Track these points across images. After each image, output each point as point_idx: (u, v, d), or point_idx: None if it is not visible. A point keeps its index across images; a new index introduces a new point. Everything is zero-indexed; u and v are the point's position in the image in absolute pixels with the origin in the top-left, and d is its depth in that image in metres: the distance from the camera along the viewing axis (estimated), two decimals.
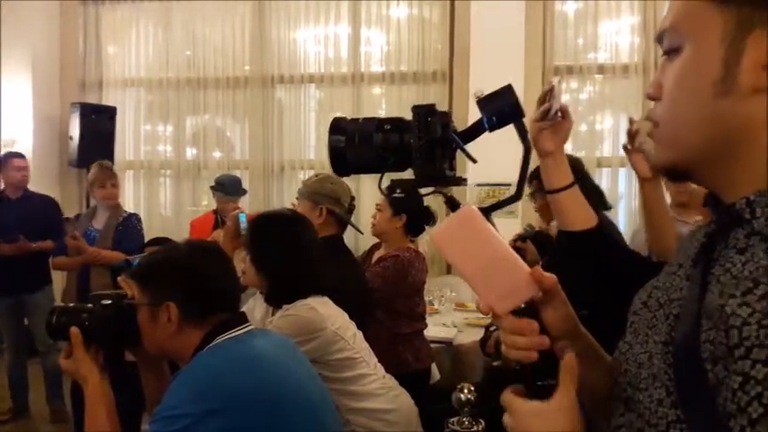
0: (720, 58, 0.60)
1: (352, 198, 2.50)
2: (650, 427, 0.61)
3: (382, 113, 5.38)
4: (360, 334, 1.96)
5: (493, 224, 0.75)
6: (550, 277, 0.72)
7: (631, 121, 1.68)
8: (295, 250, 1.87)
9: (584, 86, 5.11)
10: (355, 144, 0.90)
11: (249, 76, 5.39)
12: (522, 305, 0.72)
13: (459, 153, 0.96)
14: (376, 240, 2.95)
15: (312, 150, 5.41)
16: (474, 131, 0.92)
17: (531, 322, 0.71)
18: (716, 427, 0.54)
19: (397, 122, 0.90)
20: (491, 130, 0.92)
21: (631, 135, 1.66)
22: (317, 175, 2.56)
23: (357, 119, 0.92)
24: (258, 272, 1.88)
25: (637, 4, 4.89)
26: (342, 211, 2.43)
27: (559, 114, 1.31)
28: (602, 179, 5.05)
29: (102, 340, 1.42)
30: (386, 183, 0.95)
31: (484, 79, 4.56)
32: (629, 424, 0.66)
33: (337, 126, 0.91)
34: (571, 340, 0.76)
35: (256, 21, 5.33)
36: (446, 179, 0.88)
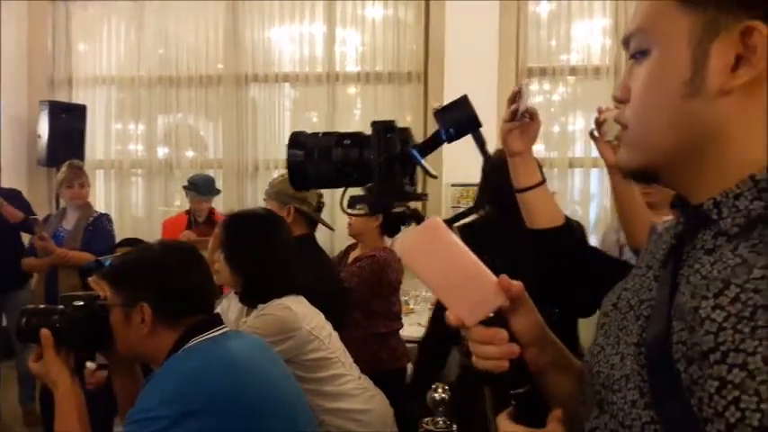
0: (688, 61, 0.60)
1: (320, 196, 2.49)
2: (624, 429, 0.61)
3: (357, 113, 5.39)
4: (335, 334, 1.96)
5: (457, 234, 0.75)
6: (517, 285, 0.72)
7: (600, 111, 1.72)
8: (270, 249, 1.87)
9: (556, 88, 5.18)
10: (314, 159, 0.90)
11: (223, 75, 5.34)
12: (491, 315, 0.71)
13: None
14: (352, 241, 2.95)
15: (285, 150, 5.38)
16: (432, 144, 0.93)
17: (499, 331, 0.71)
18: (690, 426, 0.54)
19: (356, 138, 0.90)
20: (449, 141, 0.93)
21: (598, 123, 1.69)
22: (282, 175, 2.54)
23: (317, 133, 0.92)
24: (233, 271, 1.87)
25: (609, 6, 4.96)
26: (310, 210, 2.43)
27: (527, 116, 1.33)
28: (575, 179, 5.13)
29: (73, 342, 1.40)
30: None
31: (459, 80, 4.64)
32: (604, 426, 0.66)
33: (296, 140, 0.92)
34: (540, 347, 0.77)
35: (230, 19, 5.29)
36: (406, 195, 0.88)
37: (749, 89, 0.59)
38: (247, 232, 1.91)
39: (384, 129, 0.88)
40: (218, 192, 4.61)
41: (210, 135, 5.58)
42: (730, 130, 0.60)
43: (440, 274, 0.71)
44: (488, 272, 0.72)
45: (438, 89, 4.83)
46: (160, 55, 5.40)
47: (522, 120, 1.34)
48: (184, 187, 4.43)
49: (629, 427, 0.61)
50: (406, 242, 0.73)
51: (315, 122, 5.34)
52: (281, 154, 5.36)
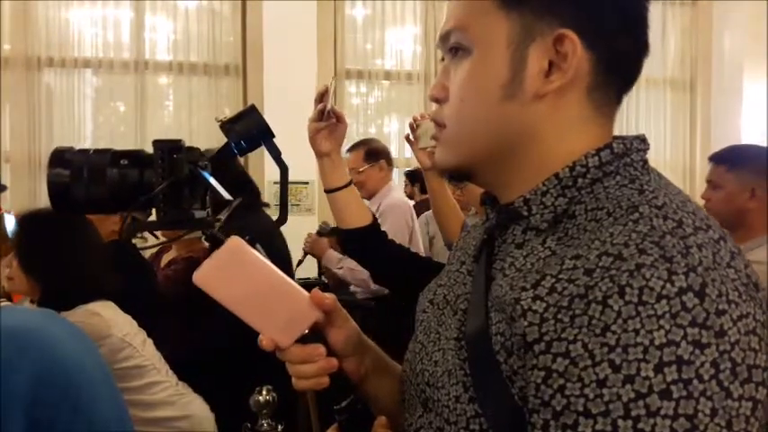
0: (507, 64, 0.61)
1: None
2: (450, 425, 0.61)
3: (170, 105, 5.11)
4: (150, 341, 1.86)
5: (261, 252, 0.71)
6: (330, 297, 0.70)
7: (415, 119, 1.82)
8: (71, 250, 1.72)
9: (372, 91, 5.36)
10: (83, 179, 0.79)
11: (9, 57, 4.74)
12: (305, 332, 0.68)
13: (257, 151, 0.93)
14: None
15: (89, 141, 4.94)
16: (224, 158, 0.89)
17: (316, 347, 0.68)
18: (513, 417, 0.55)
19: (135, 156, 0.81)
20: (241, 154, 0.90)
21: (412, 128, 1.80)
22: None
23: (87, 150, 0.82)
24: (29, 277, 1.69)
25: (419, 13, 5.24)
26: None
27: (333, 116, 1.36)
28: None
29: None
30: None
31: (277, 76, 4.60)
32: (429, 424, 0.65)
33: (60, 158, 0.80)
34: (359, 356, 0.76)
35: None
36: (195, 222, 0.81)
37: (560, 93, 0.61)
38: (45, 233, 1.73)
39: (170, 149, 0.80)
40: (3, 188, 4.09)
41: None
42: (542, 133, 0.63)
43: (246, 297, 0.66)
44: (299, 288, 0.69)
45: (257, 84, 4.75)
46: None
47: (329, 120, 1.35)
48: None
49: (455, 423, 0.60)
50: (204, 270, 0.67)
51: (122, 112, 4.97)
52: (82, 145, 4.90)
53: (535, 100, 0.62)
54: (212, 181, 0.82)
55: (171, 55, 4.96)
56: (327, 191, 1.45)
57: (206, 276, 0.67)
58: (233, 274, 0.67)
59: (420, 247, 3.08)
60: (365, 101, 5.36)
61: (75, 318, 1.65)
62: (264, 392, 1.36)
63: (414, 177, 5.13)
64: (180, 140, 0.81)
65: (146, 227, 0.80)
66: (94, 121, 4.99)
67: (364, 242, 1.49)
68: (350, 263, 2.77)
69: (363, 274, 2.47)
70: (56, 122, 4.86)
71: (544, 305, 0.53)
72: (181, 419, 1.84)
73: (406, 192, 5.04)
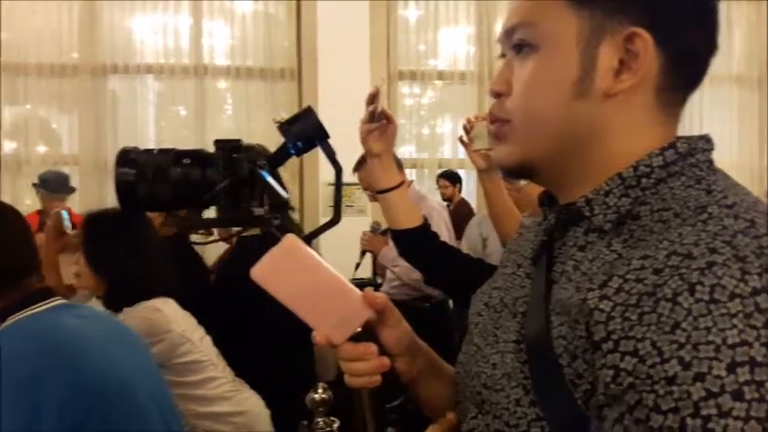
0: (577, 62, 0.61)
1: None
2: (510, 428, 0.60)
3: (228, 108, 5.24)
4: (208, 337, 1.91)
5: (316, 251, 0.72)
6: (381, 296, 0.70)
7: (469, 121, 1.81)
8: (135, 248, 1.78)
9: (425, 91, 5.36)
10: (148, 179, 0.82)
11: (78, 64, 4.96)
12: (359, 330, 0.69)
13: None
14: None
15: (151, 144, 5.11)
16: (281, 158, 0.90)
17: (369, 346, 0.69)
18: (575, 421, 0.54)
19: (197, 156, 0.83)
20: (298, 155, 0.91)
21: (466, 130, 1.78)
22: None
23: (151, 150, 0.84)
24: (95, 273, 1.76)
25: (473, 14, 5.21)
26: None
27: (383, 118, 1.36)
28: None
29: None
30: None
31: (332, 79, 4.65)
32: (485, 426, 0.64)
33: (126, 157, 0.83)
34: (411, 356, 0.76)
35: (86, 5, 4.92)
36: (253, 220, 0.83)
37: (629, 92, 0.61)
38: (111, 231, 1.79)
39: (230, 149, 0.82)
40: (72, 190, 4.28)
41: (65, 129, 5.16)
42: (608, 132, 0.62)
43: (302, 294, 0.68)
44: (352, 286, 0.70)
45: (312, 87, 4.82)
46: (5, 40, 4.92)
47: (379, 121, 1.36)
48: (34, 185, 4.07)
49: (515, 427, 0.60)
50: (261, 266, 0.69)
51: (183, 116, 5.12)
52: (145, 147, 5.07)
53: (605, 99, 0.61)
54: (270, 180, 0.84)
55: (228, 60, 5.09)
56: (379, 192, 1.46)
57: (263, 273, 0.68)
58: (288, 272, 0.68)
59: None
60: (418, 102, 5.36)
61: (137, 313, 1.71)
62: (320, 390, 1.38)
63: (454, 178, 5.10)
64: (239, 140, 0.83)
65: (207, 224, 0.83)
66: (157, 125, 5.17)
67: (417, 243, 1.49)
68: (405, 261, 2.78)
69: (418, 273, 2.48)
70: (120, 126, 5.05)
71: (611, 304, 0.52)
72: (237, 415, 1.88)
73: (446, 193, 5.01)
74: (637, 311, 0.50)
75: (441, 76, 5.26)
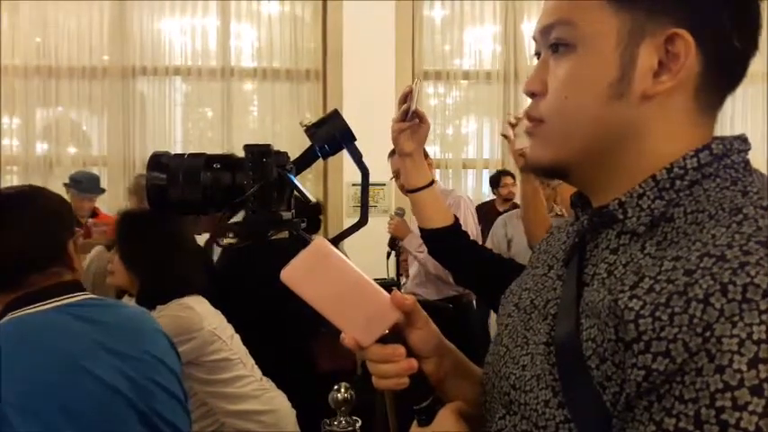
0: (616, 63, 0.60)
1: None
2: (538, 429, 0.61)
3: (254, 110, 5.28)
4: (237, 336, 1.93)
5: (344, 253, 0.74)
6: (409, 299, 0.70)
7: (515, 116, 1.79)
8: (169, 247, 1.81)
9: (450, 91, 5.33)
10: (179, 182, 0.83)
11: (108, 67, 5.05)
12: (386, 332, 0.69)
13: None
14: None
15: (179, 146, 5.18)
16: (307, 161, 0.90)
17: (397, 347, 0.69)
18: (603, 424, 0.54)
19: (227, 160, 0.84)
20: (324, 157, 0.91)
21: (512, 125, 1.77)
22: None
23: (182, 154, 0.85)
24: (129, 271, 1.79)
25: (499, 13, 5.17)
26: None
27: (416, 117, 1.36)
28: (468, 179, 5.31)
29: None
30: None
31: (357, 80, 4.66)
32: (513, 427, 0.64)
33: (157, 162, 0.84)
34: (438, 357, 0.76)
35: (116, 8, 5.01)
36: (282, 223, 0.83)
37: (668, 94, 0.60)
38: (145, 230, 1.83)
39: (260, 153, 0.82)
40: (102, 191, 4.36)
41: (95, 130, 5.25)
42: (645, 134, 0.61)
43: (330, 296, 0.68)
44: (380, 288, 0.69)
45: (337, 88, 4.84)
46: (38, 43, 5.03)
47: (412, 120, 1.36)
48: (65, 185, 4.15)
49: (544, 428, 0.60)
50: (290, 269, 0.69)
51: (210, 118, 5.18)
52: (173, 150, 5.10)
53: (643, 100, 0.60)
54: (298, 184, 0.84)
55: (255, 62, 5.13)
56: (410, 191, 1.45)
57: (292, 275, 0.69)
58: (317, 274, 0.68)
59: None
60: (443, 101, 5.34)
61: (170, 311, 1.74)
62: (343, 390, 1.39)
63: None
64: (269, 145, 0.84)
65: (236, 228, 0.83)
66: (184, 126, 5.24)
67: (447, 242, 1.48)
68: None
69: None
70: (148, 128, 5.13)
71: (641, 303, 0.51)
72: (265, 413, 1.90)
73: (514, 192, 4.74)
74: (667, 311, 0.50)
75: (466, 75, 5.24)
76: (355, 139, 0.91)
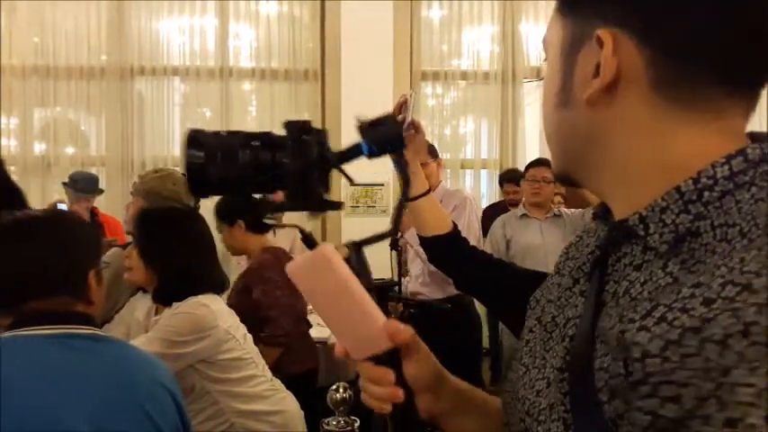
0: (561, 71, 0.59)
1: (196, 200, 2.31)
2: None
3: (252, 110, 5.28)
4: (250, 336, 1.94)
5: (364, 258, 0.71)
6: (406, 331, 0.65)
7: None
8: (187, 244, 1.82)
9: (448, 92, 5.34)
10: (217, 161, 0.79)
11: (106, 67, 5.04)
12: (380, 353, 0.66)
13: None
14: None
15: (177, 146, 5.18)
16: (351, 155, 0.88)
17: (386, 372, 0.66)
18: None
19: (266, 138, 0.81)
20: (370, 157, 0.90)
21: None
22: (156, 171, 2.39)
23: (218, 132, 0.81)
24: (148, 268, 1.80)
25: (497, 13, 5.18)
26: None
27: (412, 127, 1.36)
28: (466, 179, 5.31)
29: None
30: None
31: (355, 81, 4.66)
32: None
33: (195, 139, 0.80)
34: (433, 395, 0.71)
35: (114, 8, 5.01)
36: (323, 204, 0.80)
37: (610, 95, 0.56)
38: (164, 227, 1.84)
39: (299, 129, 0.80)
40: (100, 192, 4.36)
41: (93, 130, 5.25)
42: (609, 139, 0.58)
43: (326, 303, 0.67)
44: (377, 311, 0.66)
45: (335, 88, 4.84)
46: (36, 43, 5.02)
47: (408, 131, 1.35)
48: (64, 184, 4.15)
49: None
50: (296, 265, 0.68)
51: (208, 118, 5.18)
52: (170, 150, 5.15)
53: (590, 105, 0.57)
54: (341, 167, 0.82)
55: (253, 62, 5.13)
56: (407, 199, 1.45)
57: (295, 271, 0.69)
58: (317, 279, 0.67)
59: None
60: (441, 102, 5.34)
61: (186, 308, 1.74)
62: (341, 389, 1.39)
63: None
64: (309, 121, 0.81)
65: (276, 208, 0.81)
66: (182, 126, 5.23)
67: (446, 249, 1.48)
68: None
69: None
70: (147, 128, 5.12)
71: (649, 336, 0.46)
72: (275, 414, 1.90)
73: (517, 199, 4.71)
74: (679, 351, 0.44)
75: (464, 76, 5.25)
76: (405, 147, 0.90)
